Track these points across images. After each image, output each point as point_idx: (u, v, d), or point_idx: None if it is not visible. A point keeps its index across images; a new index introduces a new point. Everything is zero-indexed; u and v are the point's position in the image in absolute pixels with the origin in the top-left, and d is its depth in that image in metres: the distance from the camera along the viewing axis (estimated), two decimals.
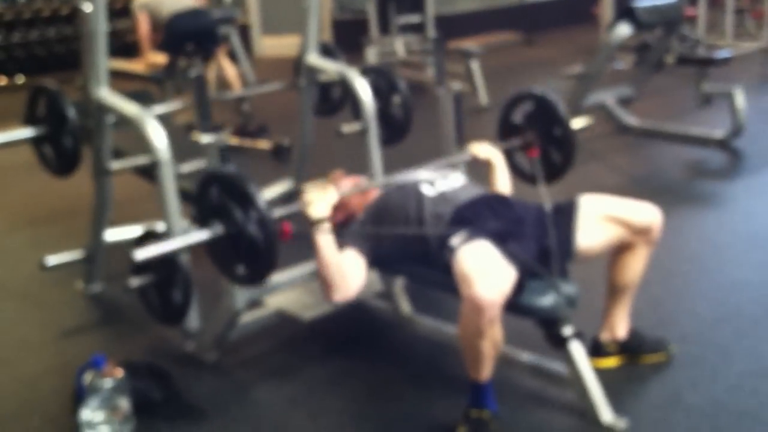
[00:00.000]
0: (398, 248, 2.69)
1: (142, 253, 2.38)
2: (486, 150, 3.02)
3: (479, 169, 3.04)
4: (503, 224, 2.57)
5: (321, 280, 2.57)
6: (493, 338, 2.37)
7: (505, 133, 3.20)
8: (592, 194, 2.72)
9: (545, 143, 3.08)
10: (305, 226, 2.47)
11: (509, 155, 3.13)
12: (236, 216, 2.33)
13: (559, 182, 3.11)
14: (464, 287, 2.30)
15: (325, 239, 2.50)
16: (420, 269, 2.70)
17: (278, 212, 2.42)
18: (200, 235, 2.41)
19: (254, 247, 2.33)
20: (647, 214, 2.68)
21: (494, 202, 2.69)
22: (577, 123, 3.25)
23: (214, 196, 2.40)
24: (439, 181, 2.75)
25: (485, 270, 2.32)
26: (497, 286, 2.29)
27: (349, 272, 2.60)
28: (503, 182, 3.01)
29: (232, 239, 2.37)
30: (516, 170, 3.17)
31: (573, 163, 3.12)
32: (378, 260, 2.78)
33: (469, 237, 2.46)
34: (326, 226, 2.49)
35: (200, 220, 2.45)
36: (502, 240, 2.46)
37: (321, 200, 2.51)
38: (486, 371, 2.45)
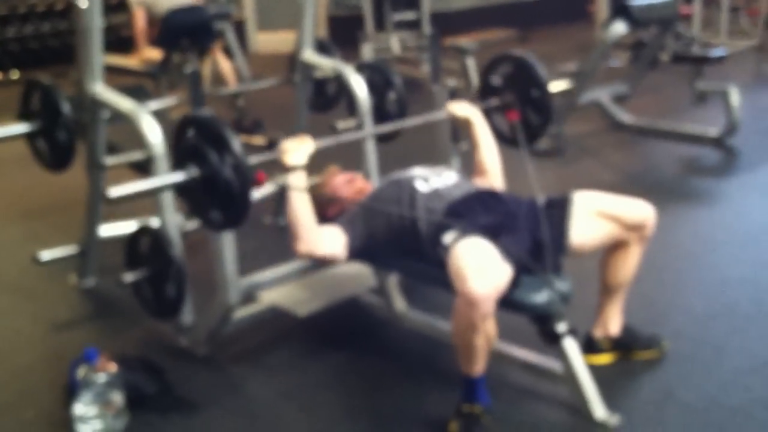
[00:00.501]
0: (391, 241, 2.70)
1: (116, 191, 2.40)
2: (464, 108, 3.05)
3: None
4: (496, 219, 2.57)
5: (290, 230, 2.62)
6: (486, 333, 2.37)
7: (484, 94, 3.26)
8: (586, 190, 2.72)
9: (524, 105, 3.14)
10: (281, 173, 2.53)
11: (488, 116, 3.16)
12: (212, 159, 2.35)
13: (553, 178, 3.12)
14: (458, 283, 2.30)
15: (298, 187, 2.53)
16: (413, 264, 2.70)
17: (254, 159, 2.44)
18: (176, 177, 2.44)
19: (229, 192, 2.35)
20: (641, 211, 2.69)
21: (487, 198, 2.69)
22: (556, 86, 3.31)
23: (191, 139, 2.41)
24: (432, 178, 2.75)
25: (479, 265, 2.32)
26: (491, 281, 2.29)
27: (320, 232, 2.65)
28: (486, 139, 3.02)
29: (207, 182, 2.40)
30: (495, 132, 3.18)
31: (550, 125, 3.19)
32: (371, 255, 2.79)
33: (463, 233, 2.46)
34: (301, 174, 2.52)
35: (176, 163, 2.47)
36: (494, 235, 2.46)
37: (297, 149, 2.54)
38: (479, 366, 2.45)
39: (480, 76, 3.30)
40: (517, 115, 3.11)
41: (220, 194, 2.39)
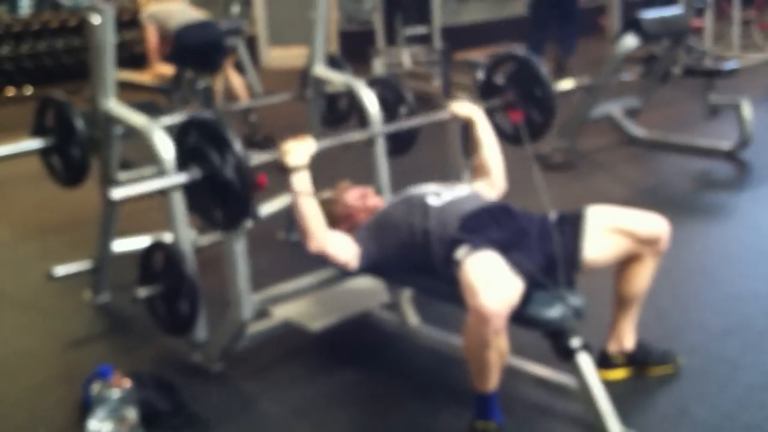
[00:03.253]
0: (403, 258, 2.70)
1: (119, 192, 2.42)
2: (466, 107, 3.05)
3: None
4: (508, 234, 2.57)
5: (299, 229, 2.63)
6: (498, 349, 2.37)
7: (487, 93, 3.26)
8: (599, 205, 2.71)
9: (527, 104, 3.13)
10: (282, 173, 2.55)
11: (491, 115, 3.17)
12: (214, 160, 2.37)
13: (565, 192, 3.12)
14: (470, 298, 2.30)
15: (301, 185, 2.54)
16: (425, 280, 2.70)
17: (255, 159, 2.46)
18: (179, 178, 2.47)
19: (231, 191, 2.37)
20: (655, 225, 2.68)
21: (499, 213, 2.69)
22: (562, 85, 3.31)
23: (194, 141, 2.43)
24: (444, 193, 2.75)
25: (491, 280, 2.31)
26: (503, 296, 2.28)
27: (333, 233, 2.67)
28: (488, 138, 3.03)
29: (210, 183, 2.41)
30: (498, 131, 3.19)
31: (553, 123, 3.19)
32: (383, 270, 2.79)
33: (475, 248, 2.45)
34: (303, 174, 2.53)
35: (179, 164, 2.48)
36: (506, 250, 2.45)
37: (299, 149, 2.55)
38: (491, 382, 2.44)
39: (483, 74, 3.30)
40: (521, 116, 3.11)
41: (223, 194, 2.41)
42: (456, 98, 3.44)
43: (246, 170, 2.36)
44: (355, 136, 3.18)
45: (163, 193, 2.71)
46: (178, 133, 2.52)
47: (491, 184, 3.00)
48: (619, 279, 2.77)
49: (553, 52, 8.89)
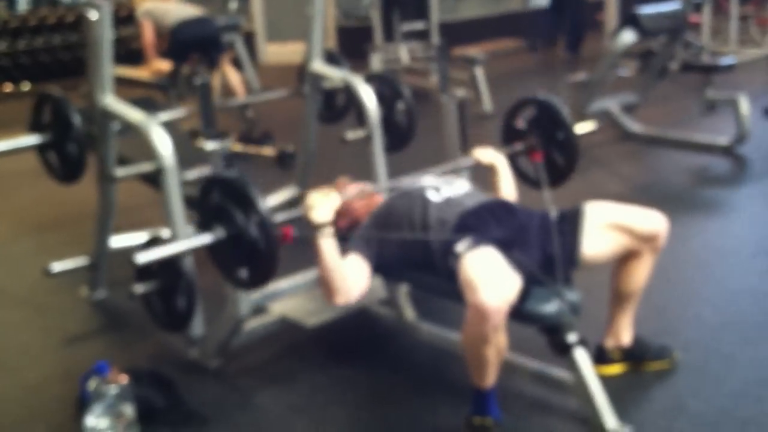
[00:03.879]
0: (402, 254, 2.69)
1: (143, 257, 2.39)
2: (490, 155, 3.02)
3: (484, 176, 3.04)
4: (507, 231, 2.57)
5: (323, 284, 2.56)
6: (497, 345, 2.37)
7: (508, 138, 3.21)
8: (598, 202, 2.71)
9: (548, 147, 3.09)
10: (307, 230, 2.47)
11: (513, 160, 3.14)
12: (238, 220, 2.34)
13: (563, 189, 3.11)
14: (469, 294, 2.30)
15: (327, 243, 2.48)
16: (424, 276, 2.70)
17: (280, 216, 2.43)
18: (203, 239, 2.42)
19: (256, 251, 2.34)
20: (653, 221, 2.68)
21: (498, 209, 2.68)
22: (582, 128, 3.26)
23: (217, 200, 2.41)
24: (444, 188, 2.75)
25: (490, 277, 2.31)
26: (502, 293, 2.28)
27: (352, 277, 2.59)
28: (507, 187, 3.00)
29: (234, 243, 2.38)
30: (520, 175, 3.17)
31: (576, 167, 3.13)
32: (382, 267, 2.78)
33: (474, 244, 2.45)
34: (328, 231, 2.49)
35: (203, 224, 2.46)
36: (506, 247, 2.46)
37: (323, 204, 2.50)
38: (489, 378, 2.45)
39: (504, 119, 3.25)
40: (541, 157, 3.07)
41: (247, 253, 2.37)
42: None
43: (271, 229, 2.31)
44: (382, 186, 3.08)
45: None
46: (202, 191, 2.47)
47: None
48: (616, 275, 2.77)
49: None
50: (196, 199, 2.82)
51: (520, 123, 3.19)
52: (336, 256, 2.52)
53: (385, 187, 3.03)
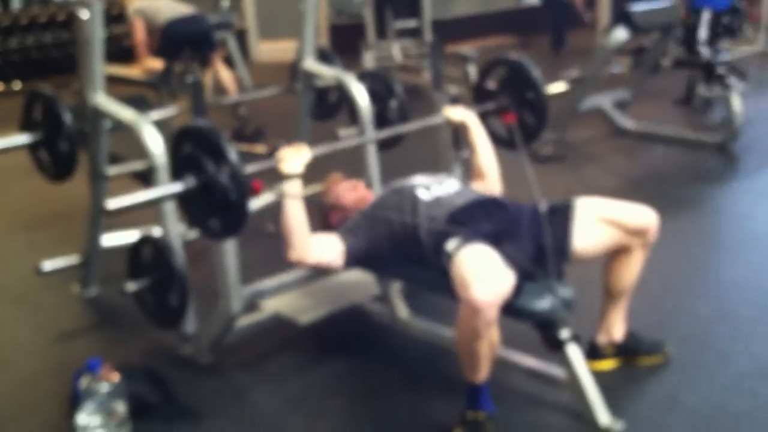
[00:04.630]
0: (393, 251, 2.70)
1: (114, 203, 2.42)
2: (460, 113, 3.05)
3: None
4: (498, 226, 2.57)
5: (283, 237, 2.61)
6: (490, 340, 2.37)
7: (480, 99, 3.27)
8: (588, 196, 2.72)
9: (520, 107, 3.16)
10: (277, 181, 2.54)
11: (484, 120, 3.17)
12: (209, 169, 2.37)
13: (555, 184, 3.12)
14: (462, 290, 2.30)
15: (293, 194, 2.54)
16: (416, 272, 2.70)
17: (251, 168, 2.45)
18: (174, 187, 2.46)
19: (226, 201, 2.37)
20: (643, 216, 2.68)
21: (488, 205, 2.69)
22: (554, 87, 3.32)
23: (189, 150, 2.43)
24: (434, 186, 2.75)
25: (482, 273, 2.31)
26: (495, 288, 2.29)
27: (315, 241, 2.64)
28: (482, 142, 3.03)
29: (205, 192, 2.41)
30: (491, 135, 3.19)
31: (546, 126, 3.20)
32: (374, 263, 2.79)
33: (465, 240, 2.46)
34: (297, 183, 2.53)
35: (175, 173, 2.49)
36: (496, 242, 2.46)
37: (294, 157, 2.55)
38: (482, 373, 2.45)
39: (476, 80, 3.31)
40: (514, 118, 3.12)
41: (218, 203, 2.40)
42: (447, 91, 3.44)
43: (242, 179, 2.34)
44: (349, 141, 3.18)
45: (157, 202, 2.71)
46: (173, 142, 2.51)
47: (487, 188, 3.00)
48: (608, 272, 2.78)
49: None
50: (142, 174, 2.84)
51: (492, 84, 3.23)
52: (300, 212, 2.57)
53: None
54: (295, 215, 2.56)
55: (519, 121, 3.13)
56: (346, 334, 3.26)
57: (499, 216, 2.64)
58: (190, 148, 2.44)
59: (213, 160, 2.37)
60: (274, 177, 2.60)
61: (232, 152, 2.34)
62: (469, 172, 3.07)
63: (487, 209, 2.66)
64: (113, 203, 2.42)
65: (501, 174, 3.03)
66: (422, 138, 3.23)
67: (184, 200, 2.50)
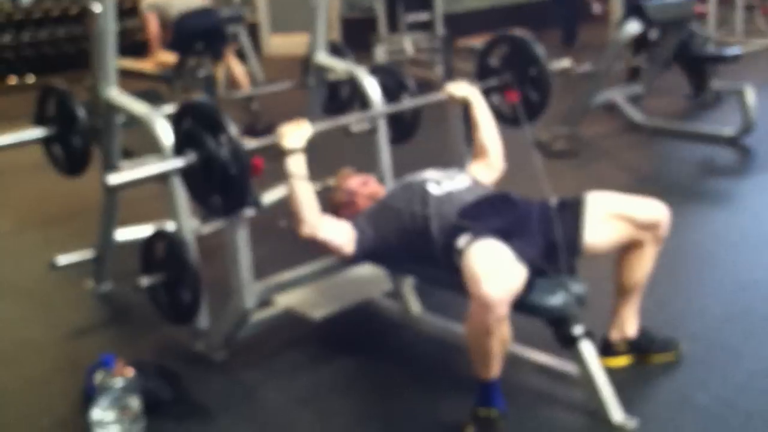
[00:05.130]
0: (403, 246, 2.70)
1: (115, 178, 2.44)
2: (463, 88, 3.07)
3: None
4: (507, 222, 2.56)
5: (292, 213, 2.64)
6: (501, 337, 2.36)
7: (483, 75, 3.30)
8: (599, 191, 2.71)
9: (522, 83, 3.18)
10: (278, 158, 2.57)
11: (488, 96, 3.19)
12: (209, 145, 2.38)
13: (567, 179, 3.11)
14: (472, 286, 2.29)
15: (296, 168, 2.55)
16: (427, 268, 2.70)
17: (251, 143, 2.47)
18: (175, 163, 2.48)
19: (227, 176, 2.40)
20: (653, 210, 2.68)
21: (498, 202, 2.69)
22: (558, 63, 3.33)
23: (189, 126, 2.45)
24: (445, 182, 2.75)
25: (493, 268, 2.31)
26: (505, 284, 2.28)
27: (327, 219, 2.68)
28: (484, 118, 3.05)
29: (206, 168, 2.43)
30: (495, 112, 3.22)
31: (549, 103, 3.20)
32: (384, 258, 2.79)
33: (475, 236, 2.45)
34: (299, 157, 2.53)
35: (176, 149, 2.51)
36: (507, 238, 2.45)
37: (295, 132, 2.56)
38: (494, 370, 2.44)
39: (479, 57, 3.32)
40: (517, 96, 3.12)
41: (219, 179, 2.42)
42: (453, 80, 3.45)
43: (242, 154, 2.37)
44: (351, 118, 3.19)
45: (161, 179, 2.72)
46: (175, 119, 2.54)
47: (489, 166, 3.01)
48: (619, 267, 2.77)
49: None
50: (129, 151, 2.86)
51: (495, 61, 3.25)
52: (306, 186, 2.60)
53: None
54: (303, 190, 2.58)
55: (522, 98, 3.15)
56: (356, 330, 3.26)
57: (508, 212, 2.64)
58: (191, 125, 2.46)
59: (213, 136, 2.40)
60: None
61: (232, 128, 2.37)
62: (472, 150, 3.07)
63: (497, 206, 2.66)
64: (114, 179, 2.44)
65: (512, 167, 3.03)
66: (434, 133, 3.23)
67: (186, 176, 2.53)
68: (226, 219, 2.69)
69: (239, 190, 2.42)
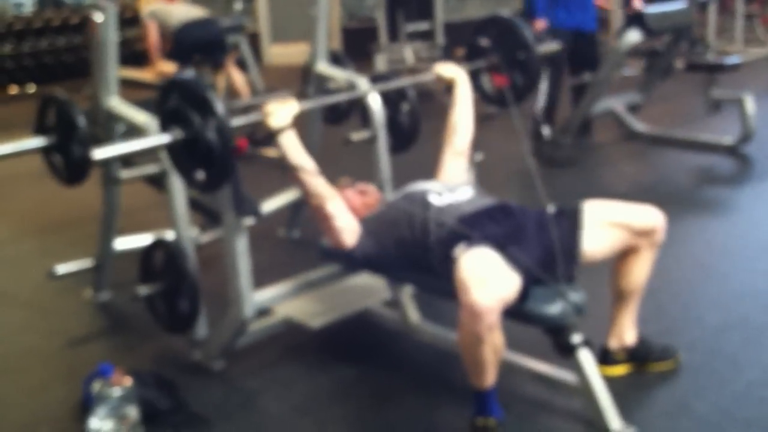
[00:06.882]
0: (402, 255, 2.70)
1: (100, 153, 2.45)
2: (450, 69, 3.10)
3: (489, 182, 3.04)
4: (505, 230, 2.56)
5: (301, 190, 2.68)
6: (493, 345, 2.35)
7: (471, 56, 3.32)
8: (595, 200, 2.71)
9: (510, 67, 3.19)
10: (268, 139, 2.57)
11: (475, 77, 3.22)
12: (195, 121, 2.39)
13: (566, 187, 3.12)
14: (461, 294, 2.29)
15: (289, 143, 2.59)
16: (425, 277, 2.70)
17: (236, 121, 2.48)
18: (160, 138, 2.48)
19: (211, 153, 2.41)
20: (649, 216, 2.68)
21: (496, 212, 2.68)
22: (546, 47, 3.34)
23: (175, 102, 2.45)
24: (446, 193, 2.75)
25: (482, 276, 2.30)
26: (494, 292, 2.27)
27: (339, 200, 2.72)
28: (464, 99, 3.09)
29: (191, 144, 2.45)
30: (481, 93, 3.25)
31: (536, 86, 3.24)
32: (383, 267, 2.79)
33: (470, 245, 2.45)
34: (289, 134, 2.56)
35: (162, 125, 2.52)
36: (503, 246, 2.44)
37: (281, 110, 2.57)
38: (488, 378, 2.44)
39: (469, 38, 3.34)
40: (504, 80, 3.14)
41: (204, 155, 2.44)
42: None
43: (227, 131, 2.37)
44: (340, 96, 3.22)
45: (146, 152, 2.73)
46: (161, 95, 2.54)
47: (455, 152, 3.02)
48: (617, 273, 2.77)
49: None
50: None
51: (484, 42, 3.27)
52: (305, 157, 2.64)
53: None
54: (302, 162, 2.62)
55: (509, 81, 3.17)
56: (355, 339, 3.26)
57: (506, 220, 2.63)
58: (177, 101, 2.47)
59: (199, 113, 2.41)
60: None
61: (218, 105, 2.38)
62: (483, 177, 3.08)
63: (494, 216, 2.65)
64: (99, 153, 2.46)
65: (509, 176, 3.03)
66: (435, 142, 3.23)
67: (171, 153, 2.53)
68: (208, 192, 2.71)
69: (223, 167, 2.43)
